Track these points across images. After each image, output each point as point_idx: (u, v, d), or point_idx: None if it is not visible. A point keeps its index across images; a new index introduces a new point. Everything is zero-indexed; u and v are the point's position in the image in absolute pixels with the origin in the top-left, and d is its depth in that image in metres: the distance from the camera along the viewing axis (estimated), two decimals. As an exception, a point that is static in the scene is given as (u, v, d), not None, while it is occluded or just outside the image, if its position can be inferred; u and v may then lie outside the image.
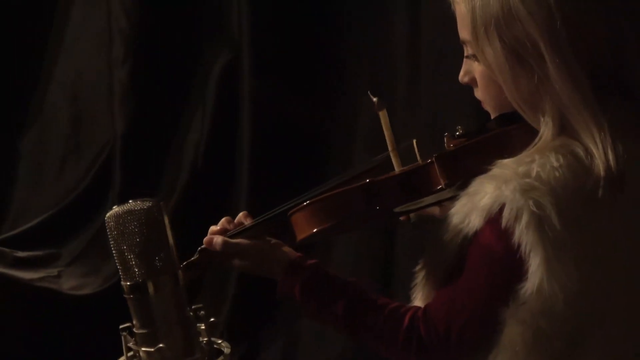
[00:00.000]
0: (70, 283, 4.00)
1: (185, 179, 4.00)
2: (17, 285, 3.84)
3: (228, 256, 1.94)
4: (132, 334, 1.62)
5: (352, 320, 1.85)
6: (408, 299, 1.93)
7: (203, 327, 1.61)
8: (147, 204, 1.60)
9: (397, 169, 1.95)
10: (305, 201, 1.88)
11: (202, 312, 1.62)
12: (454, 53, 2.00)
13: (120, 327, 1.62)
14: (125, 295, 1.64)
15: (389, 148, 1.96)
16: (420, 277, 1.90)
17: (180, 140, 4.04)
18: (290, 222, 1.90)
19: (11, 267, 3.94)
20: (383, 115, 1.98)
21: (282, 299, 1.91)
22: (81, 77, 4.26)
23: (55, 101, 4.33)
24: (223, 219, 2.00)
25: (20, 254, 4.05)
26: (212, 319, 1.62)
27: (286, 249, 1.94)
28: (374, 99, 1.97)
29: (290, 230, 1.91)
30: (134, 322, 1.64)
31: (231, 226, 1.98)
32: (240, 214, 2.00)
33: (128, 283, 1.62)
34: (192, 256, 1.97)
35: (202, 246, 1.96)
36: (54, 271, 4.04)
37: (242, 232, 1.96)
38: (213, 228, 1.99)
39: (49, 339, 3.83)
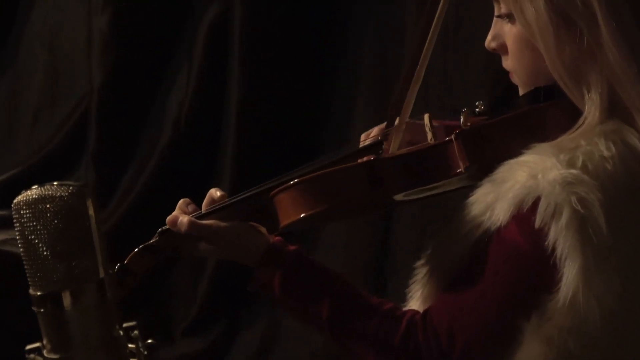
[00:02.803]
0: (36, 247, 3.77)
1: (166, 140, 3.84)
2: (-24, 247, 3.68)
3: (194, 240, 1.72)
4: (43, 356, 1.29)
5: (339, 322, 1.66)
6: (403, 296, 1.77)
7: (136, 349, 1.27)
8: (69, 189, 1.28)
9: (394, 148, 1.73)
10: (293, 179, 1.67)
11: (136, 331, 1.29)
12: (473, 20, 1.72)
13: (27, 348, 1.29)
14: (34, 308, 1.31)
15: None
16: (422, 273, 1.70)
17: (162, 98, 3.88)
18: (273, 204, 1.69)
19: (-29, 228, 3.82)
20: None
21: (257, 290, 1.71)
22: (59, 24, 4.16)
23: (30, 48, 4.27)
24: (181, 201, 1.77)
25: (-18, 213, 3.87)
26: (149, 340, 1.29)
27: (264, 231, 1.73)
28: None
29: (272, 214, 1.70)
30: (44, 342, 1.31)
31: (190, 209, 1.76)
32: (212, 191, 1.77)
33: (38, 292, 1.29)
34: (151, 239, 1.76)
35: (164, 227, 1.74)
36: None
37: (213, 212, 1.73)
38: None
39: (8, 308, 3.57)
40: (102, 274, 1.27)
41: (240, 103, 3.64)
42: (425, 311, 1.63)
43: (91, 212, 1.27)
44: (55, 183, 1.30)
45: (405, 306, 1.72)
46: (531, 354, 1.54)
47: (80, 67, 4.03)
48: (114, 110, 3.90)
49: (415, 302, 1.71)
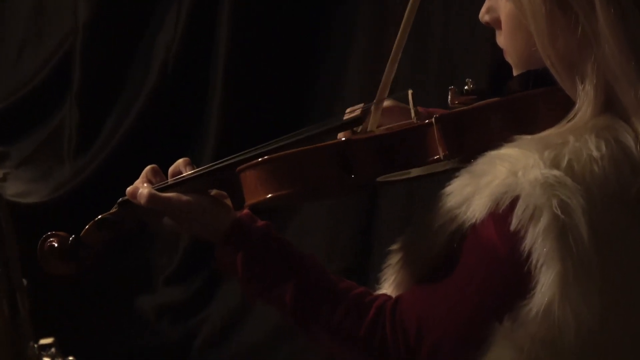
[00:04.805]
0: (16, 188, 3.84)
1: (152, 83, 3.79)
2: (-47, 185, 3.57)
3: (155, 213, 1.64)
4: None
5: (303, 308, 1.58)
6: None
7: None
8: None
9: (373, 126, 1.64)
10: (261, 155, 1.58)
11: (53, 349, 1.15)
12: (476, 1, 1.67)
13: None
14: None
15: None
16: (396, 259, 1.62)
17: (150, 38, 3.82)
18: (239, 180, 1.60)
19: (-52, 164, 3.81)
20: None
21: (222, 270, 1.62)
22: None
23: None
24: (147, 169, 1.68)
25: (-39, 149, 3.89)
26: (70, 358, 1.16)
27: (230, 206, 1.64)
28: None
29: (238, 190, 1.62)
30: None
31: (157, 178, 1.68)
32: (179, 161, 1.68)
33: None
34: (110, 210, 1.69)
35: (124, 197, 1.66)
36: (-1, 173, 3.93)
37: (177, 184, 1.64)
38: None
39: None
40: (14, 285, 1.13)
41: (230, 48, 3.58)
42: (396, 301, 1.55)
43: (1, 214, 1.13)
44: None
45: (379, 289, 1.63)
46: (500, 358, 1.46)
47: (67, 2, 3.94)
48: (99, 50, 3.86)
49: (389, 286, 1.63)
